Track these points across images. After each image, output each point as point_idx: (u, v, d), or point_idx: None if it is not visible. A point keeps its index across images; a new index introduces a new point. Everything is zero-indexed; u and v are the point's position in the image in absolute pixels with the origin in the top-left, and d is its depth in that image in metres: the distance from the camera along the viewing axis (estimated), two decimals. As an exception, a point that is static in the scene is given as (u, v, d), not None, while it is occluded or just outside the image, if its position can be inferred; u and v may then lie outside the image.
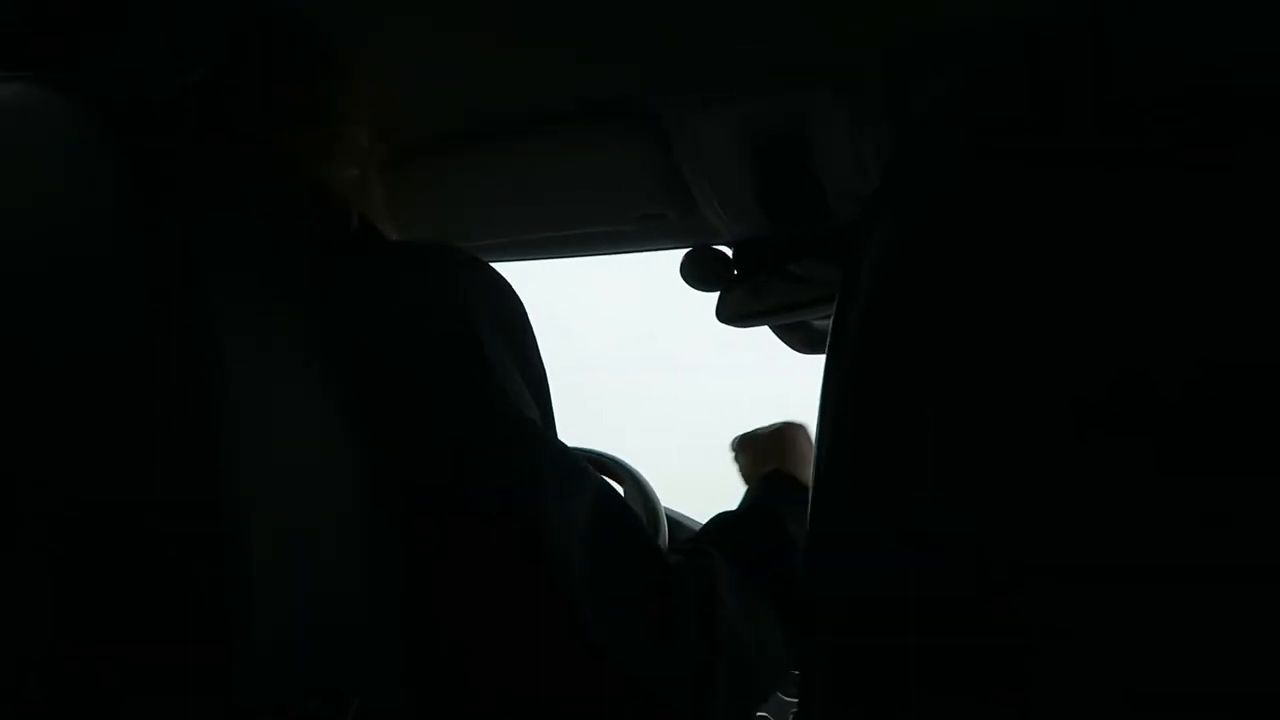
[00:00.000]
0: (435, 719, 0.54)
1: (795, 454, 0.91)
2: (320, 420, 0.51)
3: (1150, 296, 0.27)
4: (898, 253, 0.33)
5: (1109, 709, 0.26)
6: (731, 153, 1.00)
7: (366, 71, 0.71)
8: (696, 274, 1.26)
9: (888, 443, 0.31)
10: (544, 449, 0.59)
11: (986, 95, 0.31)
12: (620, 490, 1.84)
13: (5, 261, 0.43)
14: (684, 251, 1.26)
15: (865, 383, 0.33)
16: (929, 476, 0.30)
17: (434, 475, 0.55)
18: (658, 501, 1.83)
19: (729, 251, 1.25)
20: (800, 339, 1.41)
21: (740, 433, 1.01)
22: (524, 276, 1.37)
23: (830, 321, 0.36)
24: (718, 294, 1.28)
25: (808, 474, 0.91)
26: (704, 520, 2.08)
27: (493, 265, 0.66)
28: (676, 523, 1.90)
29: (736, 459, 0.99)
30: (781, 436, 0.94)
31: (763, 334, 1.39)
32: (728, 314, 1.28)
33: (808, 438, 0.95)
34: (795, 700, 1.57)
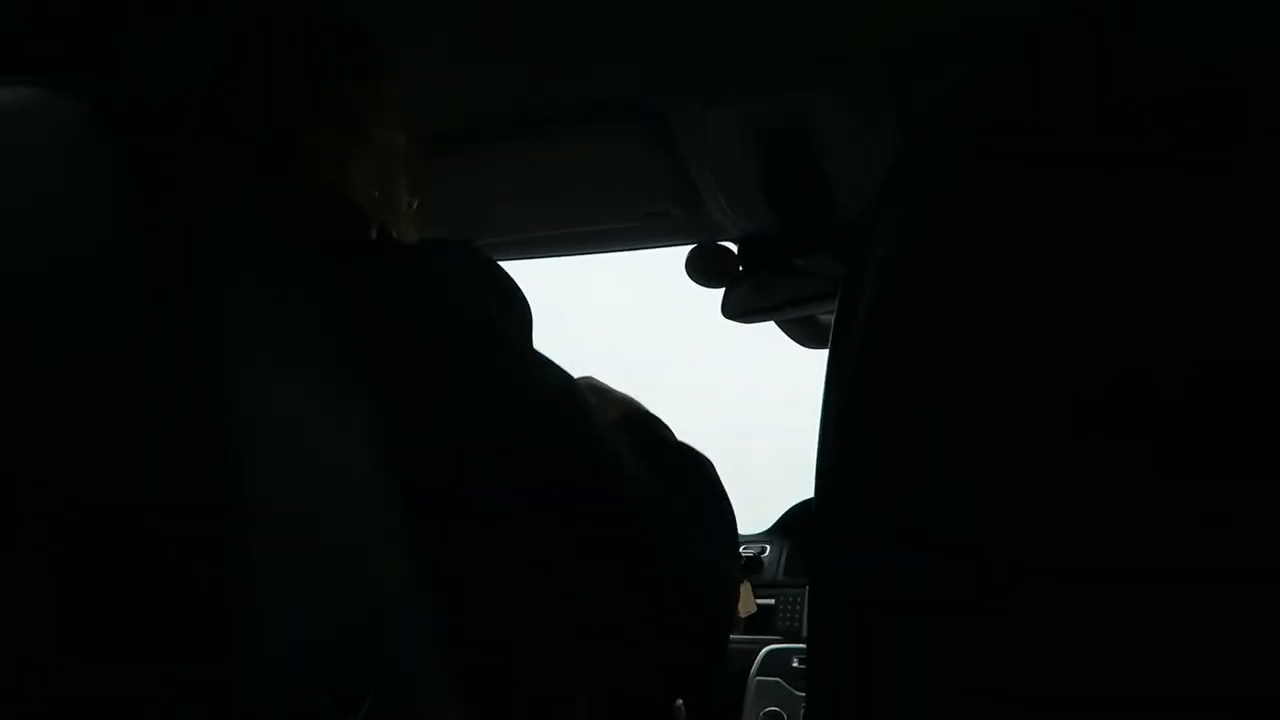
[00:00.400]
0: (457, 712, 0.54)
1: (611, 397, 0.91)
2: (327, 418, 0.52)
3: (1150, 296, 0.27)
4: (902, 250, 0.33)
5: (1107, 706, 0.27)
6: (736, 150, 1.00)
7: (395, 72, 0.70)
8: (702, 270, 1.26)
9: (890, 440, 0.32)
10: (569, 398, 0.61)
11: (987, 94, 0.32)
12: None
13: (6, 262, 0.43)
14: (689, 248, 1.26)
15: (869, 379, 0.33)
16: (930, 474, 0.30)
17: (456, 466, 0.55)
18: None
19: (734, 248, 1.25)
20: (805, 334, 1.41)
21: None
22: (528, 272, 1.38)
23: (834, 316, 0.36)
24: (723, 290, 1.28)
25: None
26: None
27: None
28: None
29: None
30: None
31: (768, 329, 1.39)
32: (733, 310, 1.28)
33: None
34: (804, 694, 1.57)
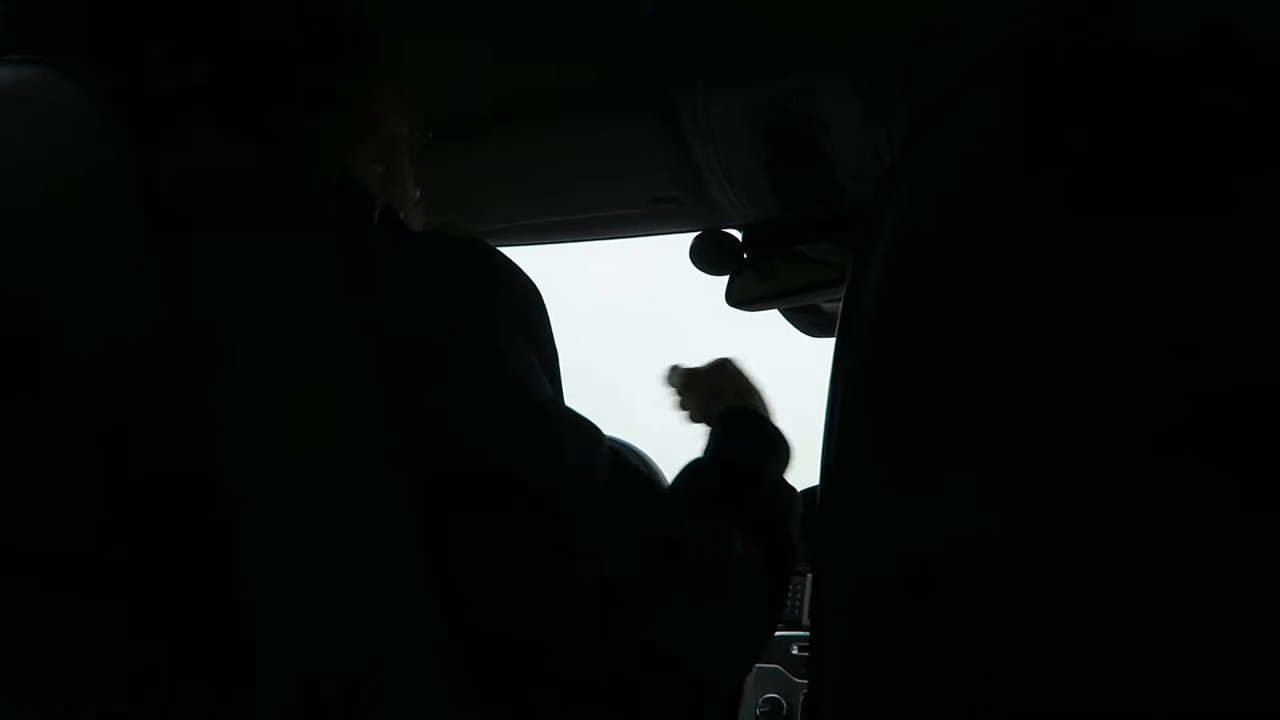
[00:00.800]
0: (457, 698, 0.54)
1: (744, 387, 0.90)
2: (333, 407, 0.51)
3: (1148, 289, 0.27)
4: (908, 239, 0.32)
5: (1108, 695, 0.27)
6: (742, 135, 1.00)
7: (398, 66, 0.70)
8: (706, 257, 1.26)
9: (897, 430, 0.32)
10: (564, 426, 0.59)
11: (994, 82, 0.31)
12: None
13: (9, 250, 0.43)
14: (694, 235, 1.26)
15: (876, 369, 0.33)
16: (935, 465, 0.30)
17: (451, 458, 0.55)
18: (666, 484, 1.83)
19: (739, 235, 1.25)
20: (810, 322, 1.41)
21: (675, 367, 0.97)
22: (532, 259, 1.38)
23: (840, 304, 0.36)
24: (727, 277, 1.28)
25: (758, 404, 0.90)
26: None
27: (508, 254, 0.65)
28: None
29: (681, 396, 0.97)
30: (725, 371, 0.92)
31: (774, 318, 1.39)
32: (737, 298, 1.28)
33: (746, 369, 0.94)
34: (805, 682, 1.58)
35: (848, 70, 0.88)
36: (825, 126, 0.97)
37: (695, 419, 0.95)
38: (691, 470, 0.82)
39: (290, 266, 0.52)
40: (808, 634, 1.72)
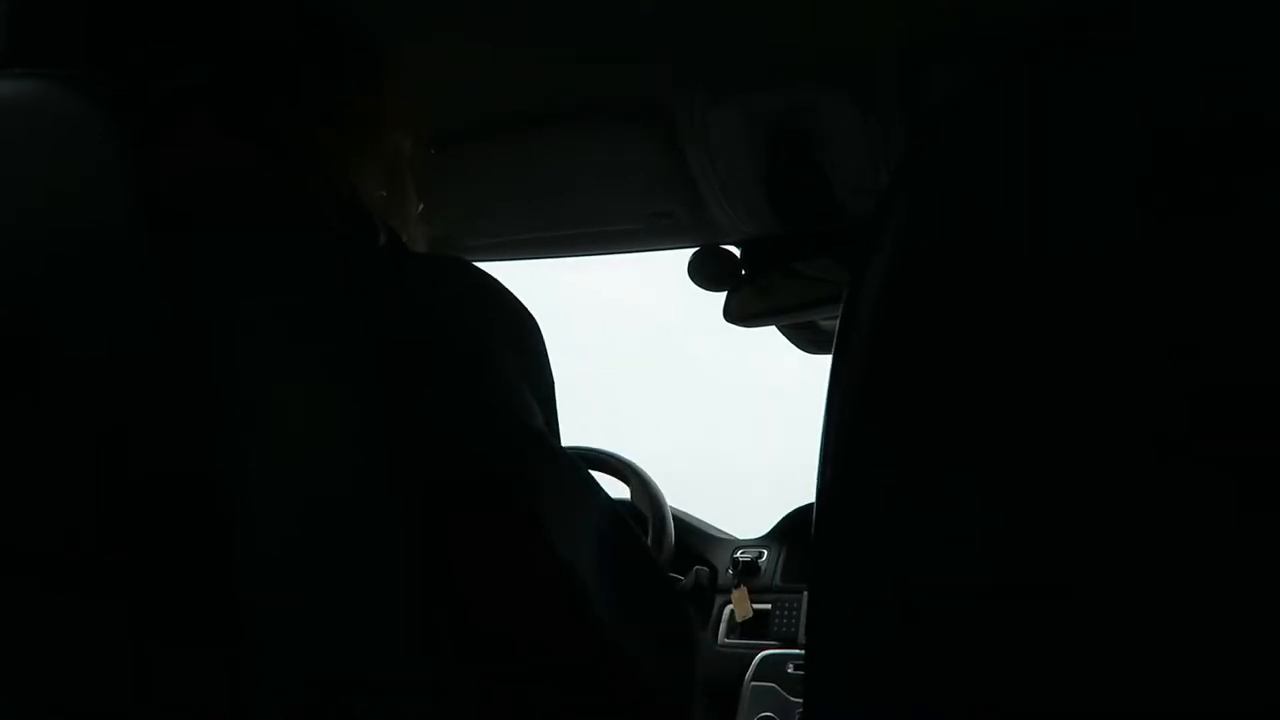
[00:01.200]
0: (446, 706, 0.54)
1: None
2: (331, 408, 0.51)
3: (1150, 300, 0.27)
4: (907, 254, 0.32)
5: (1114, 717, 0.26)
6: (741, 148, 1.00)
7: (397, 75, 0.70)
8: (705, 273, 1.26)
9: (894, 447, 0.31)
10: (546, 458, 0.59)
11: (995, 96, 0.31)
12: (627, 490, 1.84)
13: (7, 253, 0.43)
14: (692, 251, 1.26)
15: (873, 385, 0.33)
16: (934, 481, 0.30)
17: (446, 459, 0.55)
18: (664, 501, 1.83)
19: (737, 251, 1.25)
20: (808, 339, 1.41)
21: None
22: (531, 272, 1.38)
23: (837, 321, 0.36)
24: (725, 294, 1.28)
25: None
26: (710, 520, 2.08)
27: (505, 286, 0.65)
28: (682, 522, 1.90)
29: None
30: None
31: (770, 333, 1.39)
32: (735, 314, 1.28)
33: None
34: (800, 701, 1.57)
35: (847, 84, 0.88)
36: (824, 140, 0.97)
37: None
38: None
39: (290, 267, 0.52)
40: (803, 652, 1.72)
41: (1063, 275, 0.28)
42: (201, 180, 0.52)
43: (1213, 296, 0.26)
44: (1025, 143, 0.30)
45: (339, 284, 0.54)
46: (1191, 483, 0.25)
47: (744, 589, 1.78)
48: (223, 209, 0.51)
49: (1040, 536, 0.28)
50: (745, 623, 1.76)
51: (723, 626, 1.79)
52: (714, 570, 1.85)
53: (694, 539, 1.91)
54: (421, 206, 0.73)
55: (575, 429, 0.65)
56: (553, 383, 0.65)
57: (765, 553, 1.83)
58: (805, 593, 1.62)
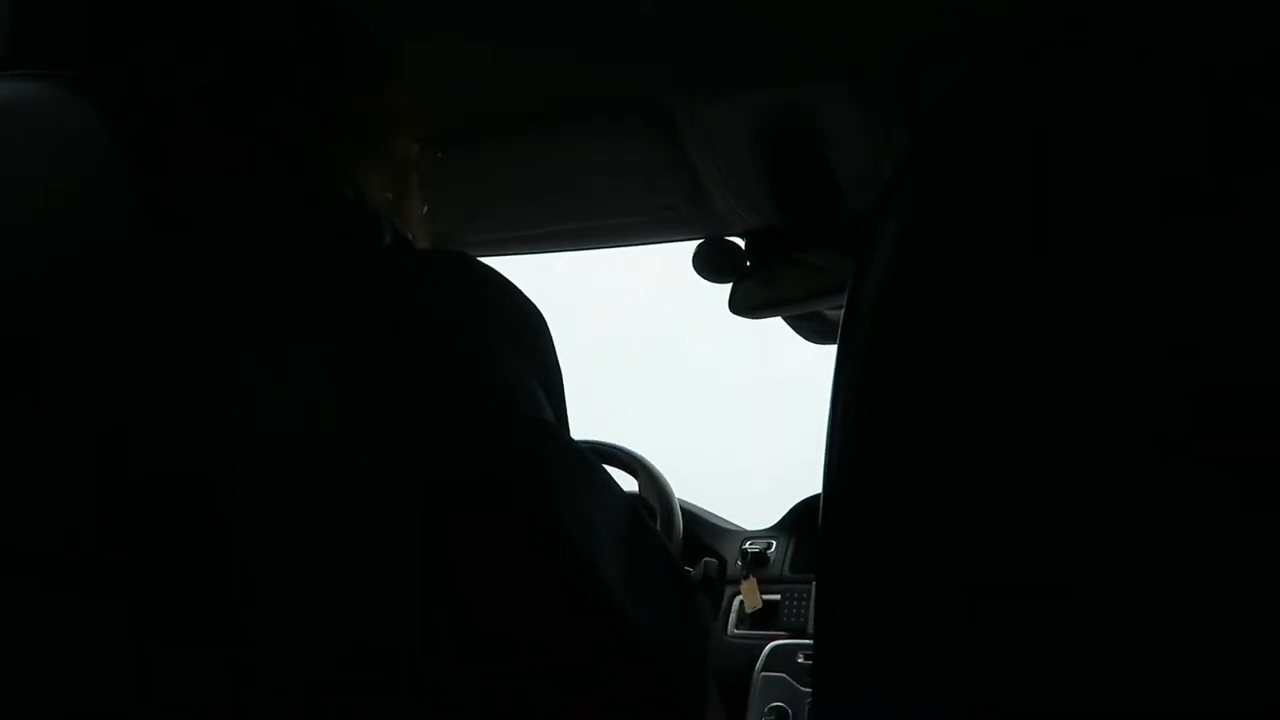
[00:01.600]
0: (446, 706, 0.54)
1: None
2: (331, 408, 0.52)
3: (1148, 295, 0.27)
4: (908, 245, 0.32)
5: (1117, 700, 0.26)
6: (743, 144, 1.00)
7: (398, 75, 0.70)
8: (709, 265, 1.26)
9: (899, 436, 0.31)
10: (559, 450, 0.59)
11: (996, 90, 0.31)
12: (635, 483, 1.84)
13: (7, 256, 0.43)
14: (696, 243, 1.26)
15: (877, 375, 0.33)
16: (938, 470, 0.30)
17: (446, 469, 0.55)
18: (672, 494, 1.83)
19: (741, 242, 1.25)
20: (813, 329, 1.41)
21: None
22: (538, 266, 1.38)
23: (843, 312, 0.36)
24: (730, 285, 1.28)
25: None
26: (719, 511, 2.07)
27: (508, 278, 0.65)
28: (690, 514, 1.90)
29: None
30: None
31: (777, 324, 1.39)
32: (740, 305, 1.28)
33: None
34: (810, 690, 1.57)
35: (849, 79, 0.88)
36: (826, 136, 0.97)
37: None
38: None
39: (290, 267, 0.52)
40: (813, 642, 1.72)
41: (1063, 272, 0.28)
42: (201, 180, 0.52)
43: (1213, 296, 0.26)
44: (1023, 137, 0.30)
45: (339, 284, 0.54)
46: (1191, 482, 0.25)
47: (753, 580, 1.78)
48: (223, 209, 0.51)
49: (1040, 534, 0.28)
50: (755, 613, 1.76)
51: (732, 617, 1.79)
52: (723, 561, 1.85)
53: (702, 530, 1.91)
54: (427, 208, 0.74)
55: (581, 422, 0.65)
56: (561, 376, 0.65)
57: (774, 543, 1.83)
58: (814, 583, 1.61)
